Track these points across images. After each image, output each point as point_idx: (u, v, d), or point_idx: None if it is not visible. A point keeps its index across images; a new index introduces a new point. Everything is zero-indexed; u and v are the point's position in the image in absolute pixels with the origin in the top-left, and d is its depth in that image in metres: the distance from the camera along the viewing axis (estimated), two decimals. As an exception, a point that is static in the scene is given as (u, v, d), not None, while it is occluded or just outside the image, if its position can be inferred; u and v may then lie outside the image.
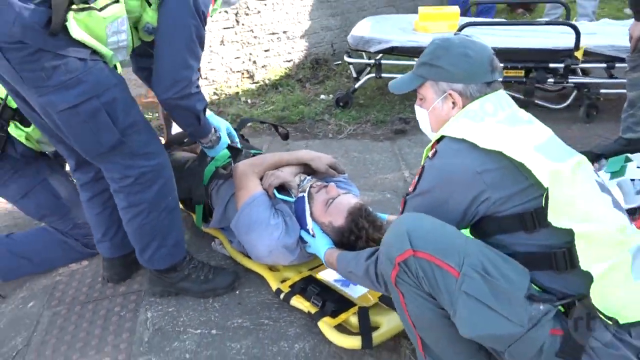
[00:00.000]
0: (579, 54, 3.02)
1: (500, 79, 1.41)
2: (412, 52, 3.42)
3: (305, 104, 3.82)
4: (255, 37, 4.20)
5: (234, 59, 4.14)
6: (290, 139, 3.37)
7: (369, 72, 3.62)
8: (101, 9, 1.43)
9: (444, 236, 1.19)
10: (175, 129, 3.10)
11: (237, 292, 1.96)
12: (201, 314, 1.86)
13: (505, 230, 1.23)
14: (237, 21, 4.07)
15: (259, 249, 1.86)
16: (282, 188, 2.00)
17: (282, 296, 1.83)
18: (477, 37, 1.45)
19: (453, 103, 1.37)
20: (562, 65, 3.07)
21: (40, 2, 1.35)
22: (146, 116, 2.13)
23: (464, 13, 4.04)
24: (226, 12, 3.98)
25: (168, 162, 1.76)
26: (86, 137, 1.56)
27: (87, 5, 1.40)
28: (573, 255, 1.14)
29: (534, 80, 3.18)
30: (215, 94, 4.08)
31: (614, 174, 2.07)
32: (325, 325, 1.66)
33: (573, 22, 3.40)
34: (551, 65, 3.11)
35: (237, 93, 4.11)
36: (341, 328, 1.69)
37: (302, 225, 1.88)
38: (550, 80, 3.16)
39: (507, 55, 3.17)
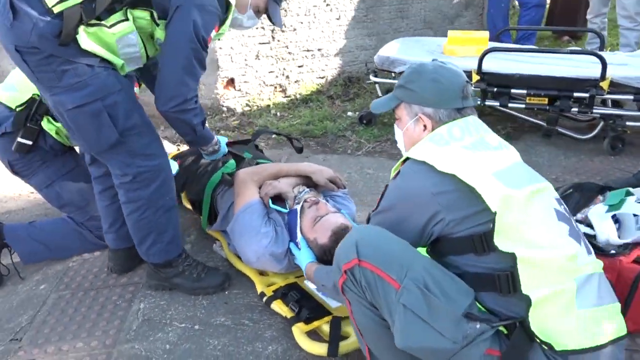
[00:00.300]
0: (604, 85, 2.95)
1: (474, 105, 1.45)
2: (436, 74, 3.45)
3: (331, 120, 3.91)
4: (289, 52, 4.34)
5: (268, 72, 4.29)
6: (310, 152, 3.48)
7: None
8: (111, 26, 1.59)
9: (391, 249, 1.24)
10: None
11: (226, 293, 2.05)
12: (188, 309, 1.97)
13: (457, 251, 1.26)
14: (273, 37, 4.23)
15: (248, 254, 1.95)
16: (279, 198, 2.09)
17: (264, 299, 1.91)
18: (452, 64, 1.50)
19: (424, 126, 1.42)
20: (586, 95, 3.01)
21: (55, 15, 1.53)
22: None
23: (495, 38, 4.02)
24: (262, 28, 4.15)
25: (167, 165, 1.89)
26: (90, 135, 1.72)
27: (97, 22, 1.57)
28: (515, 279, 1.16)
29: (557, 108, 3.13)
30: (247, 105, 4.24)
31: (612, 207, 2.02)
32: (297, 330, 1.72)
33: (607, 52, 3.33)
34: (575, 94, 3.04)
35: (269, 106, 4.26)
36: (315, 335, 1.74)
37: (293, 238, 1.95)
38: (574, 109, 3.09)
39: (530, 82, 3.14)
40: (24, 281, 2.28)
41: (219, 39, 1.88)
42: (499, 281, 1.19)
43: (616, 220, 2.02)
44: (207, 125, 1.97)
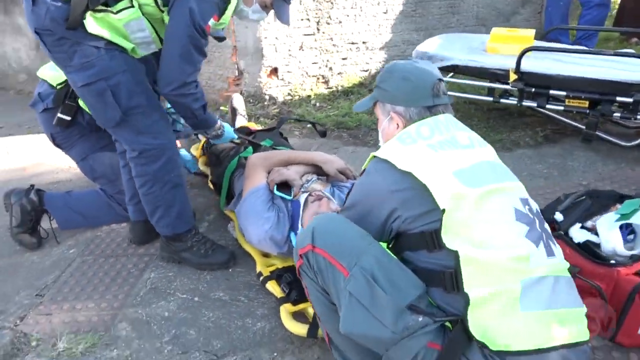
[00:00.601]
0: (650, 89, 2.78)
1: (447, 103, 1.45)
2: (473, 71, 3.38)
3: (369, 113, 3.92)
4: (334, 45, 4.39)
5: (311, 64, 4.36)
6: (341, 143, 3.53)
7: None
8: (117, 12, 1.72)
9: (345, 238, 1.28)
10: (238, 122, 3.43)
11: (230, 270, 2.16)
12: (192, 282, 2.09)
13: (412, 247, 1.28)
14: (318, 29, 4.29)
15: (250, 236, 2.05)
16: (286, 185, 2.16)
17: (261, 279, 1.99)
18: (427, 62, 1.50)
19: (397, 124, 1.44)
20: (630, 99, 2.84)
21: (65, 1, 1.67)
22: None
23: (543, 37, 3.86)
24: (308, 19, 4.22)
25: (172, 144, 2.01)
26: (98, 111, 1.88)
27: (104, 8, 1.70)
28: (458, 277, 1.17)
29: (598, 113, 2.98)
30: (289, 94, 4.34)
31: (623, 217, 1.92)
32: (284, 310, 1.80)
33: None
34: (619, 98, 2.89)
35: (309, 96, 4.33)
36: (302, 316, 1.81)
37: (294, 228, 2.01)
38: (617, 114, 2.94)
39: (570, 84, 3.01)
40: (59, 245, 2.50)
41: (222, 29, 1.94)
42: (444, 278, 1.20)
43: (632, 231, 1.93)
44: (208, 110, 2.07)
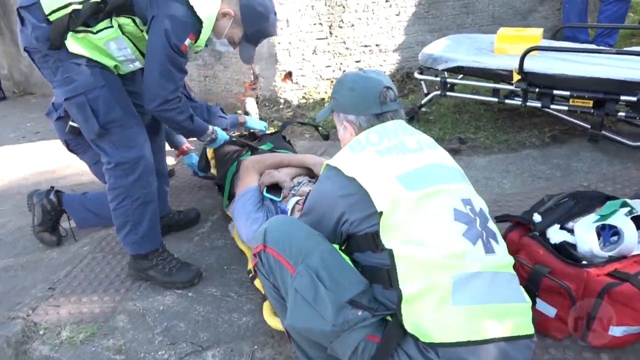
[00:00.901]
0: (655, 88, 2.74)
1: (396, 109, 1.52)
2: (478, 72, 3.40)
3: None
4: (347, 48, 4.47)
5: (325, 67, 4.46)
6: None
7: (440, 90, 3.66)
8: (97, 32, 1.85)
9: (294, 239, 1.37)
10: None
11: (225, 267, 2.29)
12: (189, 279, 2.23)
13: (360, 248, 1.36)
14: (331, 33, 4.38)
15: (241, 235, 2.17)
16: (277, 187, 2.26)
17: (250, 276, 2.11)
18: (375, 71, 1.57)
19: (350, 132, 1.52)
20: (634, 98, 2.80)
21: (49, 22, 1.81)
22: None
23: (552, 36, 3.81)
24: (320, 24, 4.32)
25: (147, 159, 2.07)
26: (80, 124, 2.00)
27: (85, 29, 1.83)
28: (393, 275, 1.24)
29: (603, 112, 2.94)
30: (304, 97, 4.45)
31: (601, 218, 1.92)
32: (267, 306, 1.90)
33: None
34: (623, 97, 2.85)
35: (324, 99, 4.43)
36: (284, 312, 1.91)
37: None
38: (621, 114, 2.90)
39: (574, 83, 2.98)
40: (76, 242, 2.69)
41: (198, 50, 2.04)
42: (382, 275, 1.28)
43: (615, 232, 1.94)
44: (196, 118, 2.17)
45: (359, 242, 1.35)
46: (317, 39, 4.37)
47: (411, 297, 1.22)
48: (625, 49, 3.09)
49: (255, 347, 1.83)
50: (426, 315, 1.21)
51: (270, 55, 4.28)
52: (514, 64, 3.14)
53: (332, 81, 4.53)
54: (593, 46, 3.46)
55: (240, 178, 2.31)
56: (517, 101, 3.27)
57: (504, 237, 1.94)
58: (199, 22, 1.91)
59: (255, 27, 2.04)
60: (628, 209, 1.91)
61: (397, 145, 1.42)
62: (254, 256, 1.45)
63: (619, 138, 3.08)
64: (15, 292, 2.30)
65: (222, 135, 2.37)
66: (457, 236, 1.28)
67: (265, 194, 2.21)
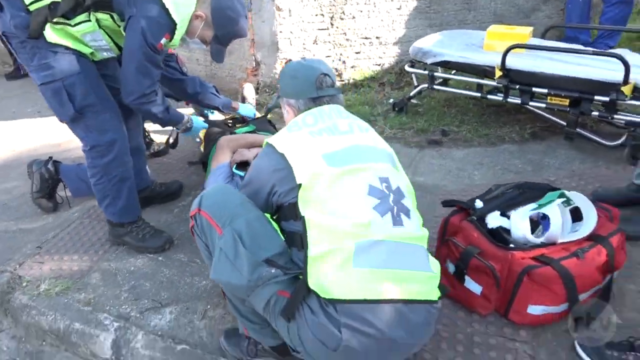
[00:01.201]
0: (626, 90, 2.79)
1: (334, 94, 1.67)
2: (464, 67, 3.49)
3: (371, 105, 4.11)
4: (347, 39, 4.59)
5: (325, 57, 4.59)
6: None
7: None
8: (74, 25, 2.00)
9: (226, 204, 1.53)
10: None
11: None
12: (162, 245, 2.43)
13: (286, 217, 1.51)
14: (332, 24, 4.51)
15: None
16: (246, 164, 2.43)
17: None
18: (316, 60, 1.74)
19: (292, 115, 1.69)
20: (607, 98, 2.87)
21: (28, 12, 1.94)
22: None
23: (542, 35, 3.85)
24: (322, 15, 4.45)
25: (121, 141, 2.24)
26: (55, 108, 2.15)
27: (64, 21, 1.98)
28: (304, 239, 1.39)
29: (578, 111, 3.02)
30: (302, 86, 4.59)
31: (539, 207, 2.02)
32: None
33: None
34: (597, 97, 2.92)
35: (321, 88, 4.57)
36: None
37: None
38: (595, 113, 2.96)
39: (552, 82, 3.06)
40: (70, 209, 2.91)
41: (173, 47, 2.20)
42: (297, 239, 1.43)
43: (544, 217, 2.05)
44: (171, 109, 2.34)
45: (285, 212, 1.51)
46: (319, 29, 4.50)
47: (316, 257, 1.36)
48: (601, 50, 3.13)
49: (209, 306, 2.01)
50: (329, 274, 1.35)
51: (272, 44, 4.44)
52: (498, 61, 3.23)
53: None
54: (580, 46, 3.50)
55: (214, 156, 2.48)
56: (499, 97, 3.35)
57: (447, 220, 2.08)
58: (173, 24, 2.05)
59: (225, 29, 2.19)
60: (564, 199, 2.02)
61: (330, 127, 1.56)
62: (191, 218, 1.62)
63: (594, 137, 3.15)
64: (10, 250, 2.53)
65: (198, 123, 2.55)
66: (367, 208, 1.41)
67: (234, 170, 2.38)
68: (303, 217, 1.40)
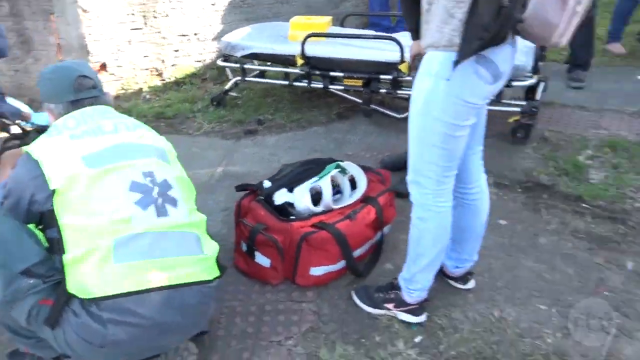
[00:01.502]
0: (403, 67, 3.18)
1: (96, 95, 1.67)
2: (270, 58, 3.69)
3: (191, 102, 4.14)
4: (163, 37, 4.55)
5: (142, 57, 4.50)
6: (159, 132, 3.71)
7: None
8: None
9: None
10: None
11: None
12: None
13: (49, 225, 1.47)
14: (146, 23, 4.43)
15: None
16: None
17: None
18: (76, 62, 1.76)
19: (54, 119, 1.65)
20: (390, 77, 3.24)
21: None
22: None
23: (340, 22, 4.21)
24: (133, 14, 4.35)
25: None
26: None
27: None
28: (61, 244, 1.39)
29: (369, 89, 3.37)
30: (122, 88, 4.46)
31: (319, 179, 2.26)
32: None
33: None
34: (382, 77, 3.28)
35: (142, 89, 4.48)
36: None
37: None
38: (383, 90, 3.33)
39: (346, 66, 3.38)
40: None
41: None
42: (56, 245, 1.42)
43: (338, 191, 2.28)
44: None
45: (46, 219, 1.48)
46: (132, 29, 4.40)
47: (73, 260, 1.37)
48: (382, 34, 3.51)
49: None
50: (88, 275, 1.37)
51: (81, 47, 4.23)
52: (297, 50, 3.46)
53: (151, 71, 4.59)
54: (371, 32, 3.88)
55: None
56: (304, 83, 3.60)
57: (239, 203, 2.21)
58: None
59: None
60: (340, 169, 2.27)
61: (94, 129, 1.55)
62: None
63: (387, 111, 3.53)
64: None
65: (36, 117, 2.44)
66: (128, 204, 1.44)
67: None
68: (58, 223, 1.39)
